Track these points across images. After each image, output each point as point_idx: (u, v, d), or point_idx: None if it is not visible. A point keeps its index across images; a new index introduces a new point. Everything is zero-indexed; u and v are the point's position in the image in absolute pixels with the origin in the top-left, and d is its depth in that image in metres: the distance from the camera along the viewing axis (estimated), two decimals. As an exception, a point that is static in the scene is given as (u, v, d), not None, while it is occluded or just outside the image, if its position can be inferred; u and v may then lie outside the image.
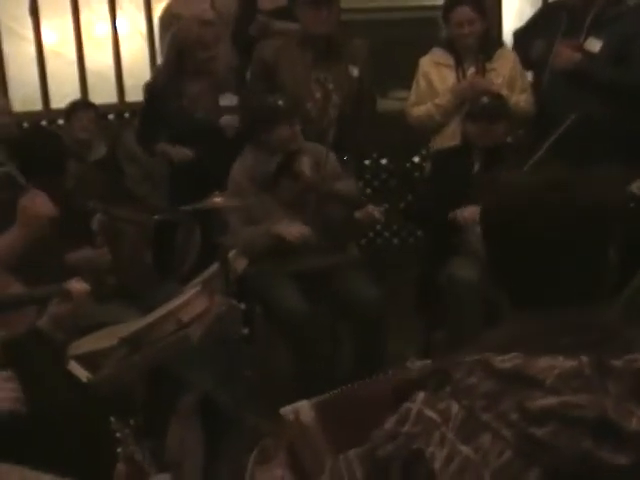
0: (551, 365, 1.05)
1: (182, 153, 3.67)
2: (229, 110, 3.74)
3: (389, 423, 1.12)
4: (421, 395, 1.11)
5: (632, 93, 3.56)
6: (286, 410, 1.39)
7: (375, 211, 3.18)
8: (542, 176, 1.22)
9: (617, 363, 1.07)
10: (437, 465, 1.05)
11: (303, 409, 1.39)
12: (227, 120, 3.69)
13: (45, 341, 2.21)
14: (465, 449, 1.04)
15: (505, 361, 1.07)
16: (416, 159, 4.71)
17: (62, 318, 2.25)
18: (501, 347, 1.10)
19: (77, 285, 2.35)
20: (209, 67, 3.71)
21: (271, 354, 3.45)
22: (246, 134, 3.52)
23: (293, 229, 3.16)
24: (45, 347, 2.21)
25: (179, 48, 3.70)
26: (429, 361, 1.41)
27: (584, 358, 1.06)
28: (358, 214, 3.21)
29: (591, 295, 1.16)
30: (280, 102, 3.28)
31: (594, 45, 3.54)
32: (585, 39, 3.57)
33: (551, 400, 1.03)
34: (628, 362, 1.07)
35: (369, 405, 1.31)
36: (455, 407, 1.07)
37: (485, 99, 3.39)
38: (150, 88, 3.98)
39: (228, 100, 3.76)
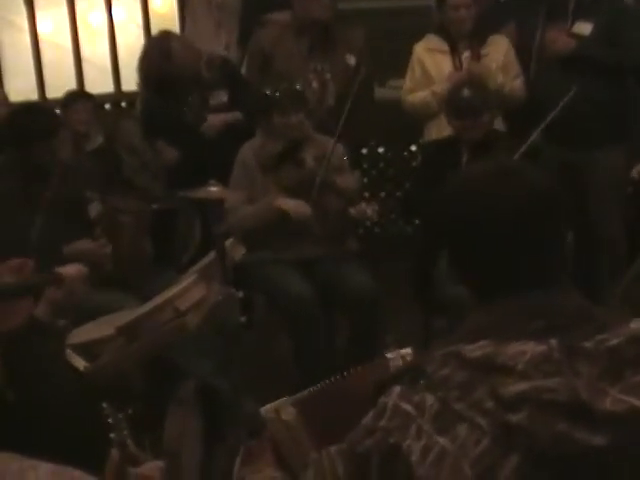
0: (521, 351, 1.05)
1: (171, 156, 3.70)
2: (220, 108, 3.74)
3: (367, 418, 1.12)
4: (396, 389, 1.11)
5: (631, 74, 3.56)
6: (267, 408, 1.40)
7: (368, 209, 3.20)
8: (491, 165, 1.23)
9: (588, 345, 1.07)
10: (414, 457, 1.05)
11: (284, 407, 1.40)
12: (210, 120, 3.71)
13: (43, 330, 2.21)
14: (442, 440, 1.04)
15: (475, 350, 1.07)
16: (413, 148, 4.70)
17: (58, 303, 2.23)
18: (472, 337, 1.09)
19: (70, 269, 2.34)
20: (193, 78, 3.71)
21: (271, 341, 3.46)
22: (235, 129, 3.56)
23: (296, 204, 3.20)
24: (43, 336, 2.21)
25: (157, 83, 3.71)
26: (408, 349, 1.41)
27: (553, 342, 1.06)
28: (352, 210, 3.22)
29: (553, 279, 1.17)
30: (277, 92, 3.29)
31: (584, 28, 3.54)
32: (572, 23, 3.56)
33: (523, 385, 1.03)
34: (599, 342, 1.07)
35: (349, 400, 1.31)
36: (430, 399, 1.07)
37: (466, 92, 3.34)
38: (141, 108, 3.98)
39: (218, 98, 3.77)
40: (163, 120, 3.76)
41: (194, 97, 3.76)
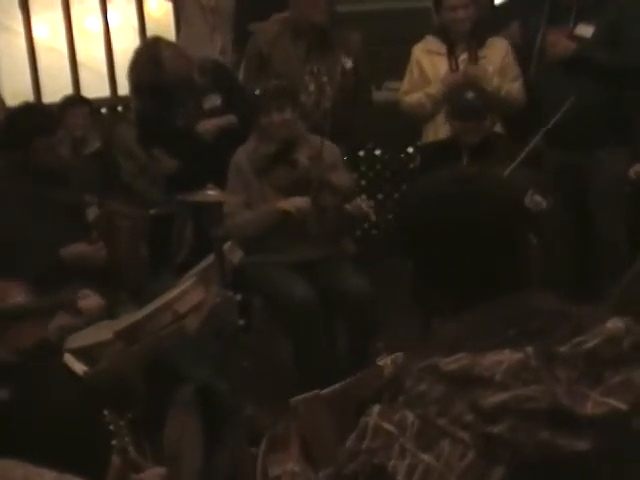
0: (497, 361, 1.05)
1: (168, 165, 3.71)
2: (214, 112, 3.74)
3: (350, 441, 1.12)
4: (376, 408, 1.11)
5: (632, 76, 3.56)
6: (297, 400, 1.40)
7: (364, 203, 3.20)
8: (447, 173, 1.26)
9: (564, 349, 1.07)
10: (400, 477, 1.05)
11: (314, 399, 1.40)
12: (204, 125, 3.70)
13: (52, 351, 2.22)
14: (426, 457, 1.04)
15: (451, 363, 1.06)
16: (410, 150, 4.70)
17: (72, 330, 2.26)
18: (448, 349, 1.09)
19: (88, 301, 2.36)
20: (185, 85, 3.69)
21: (269, 344, 3.45)
22: (231, 133, 3.55)
23: (296, 201, 3.21)
24: (52, 356, 2.22)
25: (148, 92, 3.70)
26: (400, 354, 1.41)
27: (529, 349, 1.06)
28: (349, 207, 3.22)
29: (521, 281, 1.17)
30: (264, 90, 3.28)
31: (585, 31, 3.54)
32: (574, 25, 3.56)
33: (502, 396, 1.03)
34: (576, 345, 1.07)
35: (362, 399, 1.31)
36: (410, 417, 1.07)
37: (470, 94, 3.34)
38: (135, 116, 3.98)
39: (211, 102, 3.76)
40: (157, 127, 3.75)
41: (188, 103, 3.75)
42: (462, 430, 1.02)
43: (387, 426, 1.08)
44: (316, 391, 1.40)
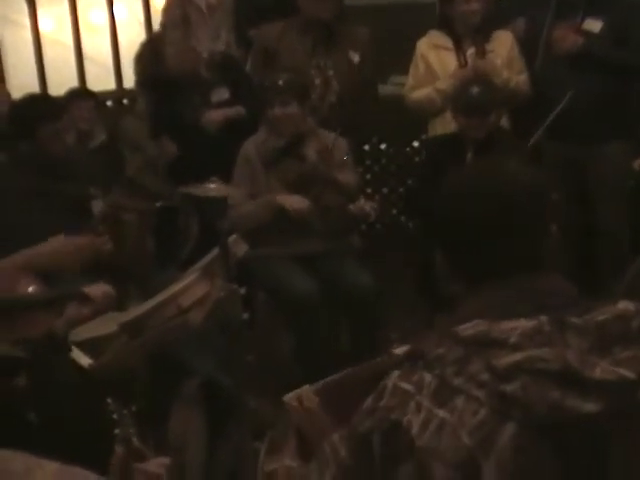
0: (512, 327, 1.10)
1: (171, 150, 3.70)
2: (222, 105, 3.73)
3: (367, 402, 1.15)
4: (396, 372, 1.15)
5: (639, 72, 3.55)
6: (289, 397, 1.40)
7: (366, 205, 3.20)
8: (473, 166, 1.27)
9: (576, 320, 1.11)
10: (414, 430, 1.08)
11: (306, 394, 1.40)
12: (210, 116, 3.69)
13: (59, 343, 2.23)
14: (441, 412, 1.07)
15: (468, 329, 1.11)
16: (416, 144, 4.70)
17: (81, 322, 2.26)
18: (463, 322, 1.13)
19: (98, 290, 2.36)
20: (190, 79, 3.68)
21: (272, 338, 3.46)
22: (239, 125, 3.55)
23: (295, 201, 3.21)
24: (58, 348, 2.23)
25: (152, 86, 3.69)
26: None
27: (543, 317, 1.10)
28: (352, 207, 3.22)
29: (539, 265, 1.20)
30: (271, 84, 3.28)
31: (594, 26, 3.52)
32: (582, 20, 3.54)
33: (516, 356, 1.06)
34: (587, 319, 1.11)
35: (365, 387, 1.32)
36: (428, 377, 1.10)
37: (475, 89, 3.33)
38: (145, 108, 3.98)
39: (219, 95, 3.75)
40: (164, 121, 3.75)
41: (195, 97, 3.75)
42: (477, 388, 1.06)
43: (405, 385, 1.11)
44: (306, 385, 1.41)
